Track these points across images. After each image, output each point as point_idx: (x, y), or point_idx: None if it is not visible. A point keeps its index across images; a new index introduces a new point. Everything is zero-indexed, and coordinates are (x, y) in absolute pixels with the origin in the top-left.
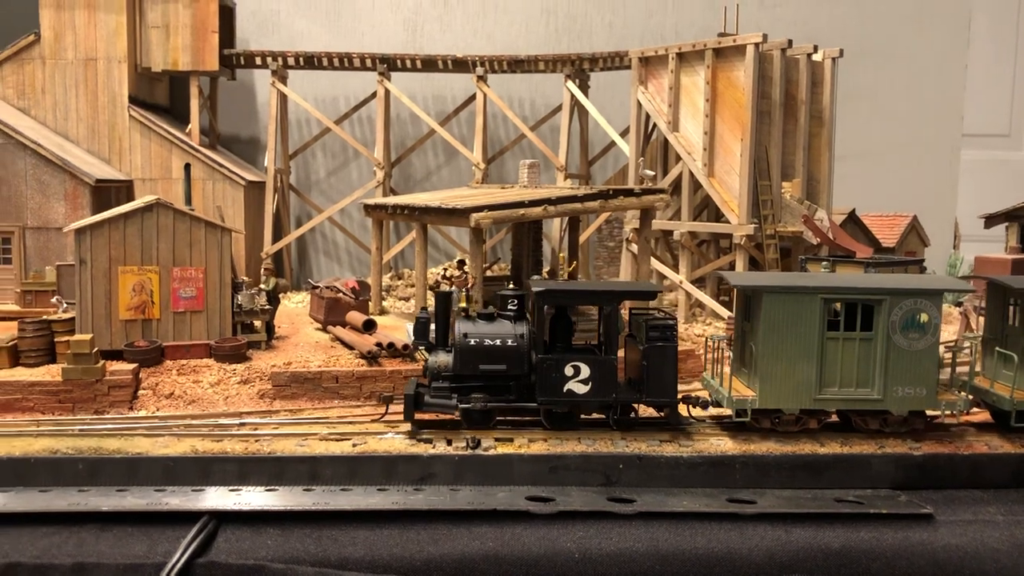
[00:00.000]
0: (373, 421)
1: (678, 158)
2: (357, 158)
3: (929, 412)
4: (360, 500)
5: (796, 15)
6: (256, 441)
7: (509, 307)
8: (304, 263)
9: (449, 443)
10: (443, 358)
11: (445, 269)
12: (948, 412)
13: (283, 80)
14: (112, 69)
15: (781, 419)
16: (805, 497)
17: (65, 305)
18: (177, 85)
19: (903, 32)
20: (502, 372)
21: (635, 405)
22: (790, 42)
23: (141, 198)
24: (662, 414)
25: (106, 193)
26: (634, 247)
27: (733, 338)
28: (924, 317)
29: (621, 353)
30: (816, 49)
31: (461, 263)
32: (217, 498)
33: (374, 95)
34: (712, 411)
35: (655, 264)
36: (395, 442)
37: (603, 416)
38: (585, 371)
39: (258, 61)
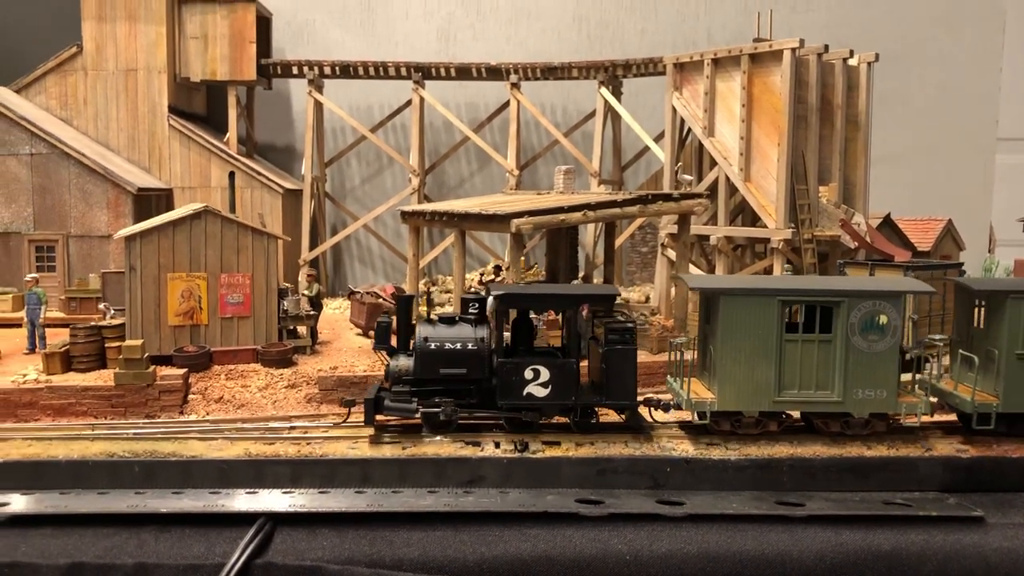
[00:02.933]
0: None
1: (713, 163)
2: (391, 166)
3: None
4: (413, 502)
5: (828, 18)
6: (307, 444)
7: (470, 311)
8: (339, 270)
9: (497, 446)
10: (403, 362)
11: (481, 274)
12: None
13: (319, 89)
14: (152, 79)
15: (741, 421)
16: (853, 500)
17: (112, 312)
18: (214, 94)
19: (937, 35)
20: (462, 376)
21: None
22: (826, 47)
23: (182, 206)
24: (622, 417)
25: (147, 201)
26: (670, 252)
27: (696, 341)
28: (883, 319)
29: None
30: (852, 54)
31: (497, 268)
32: (271, 500)
33: (408, 103)
34: (675, 414)
35: (691, 269)
36: (445, 445)
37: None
38: (545, 374)
39: (294, 70)
